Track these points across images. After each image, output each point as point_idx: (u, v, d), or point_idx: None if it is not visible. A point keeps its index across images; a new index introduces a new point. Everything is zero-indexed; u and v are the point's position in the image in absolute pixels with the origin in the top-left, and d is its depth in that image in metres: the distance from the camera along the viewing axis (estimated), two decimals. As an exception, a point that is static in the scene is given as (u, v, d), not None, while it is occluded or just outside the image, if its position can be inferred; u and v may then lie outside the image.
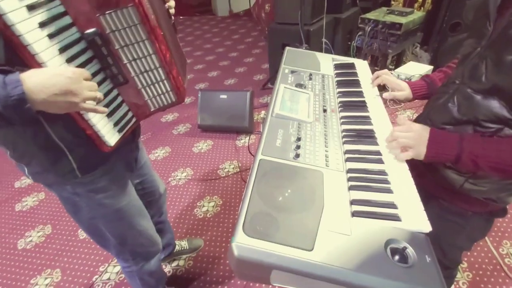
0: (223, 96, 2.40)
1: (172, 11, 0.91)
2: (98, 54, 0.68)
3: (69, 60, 0.63)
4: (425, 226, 0.57)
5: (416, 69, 2.67)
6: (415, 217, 0.59)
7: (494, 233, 1.53)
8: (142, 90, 0.78)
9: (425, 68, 2.67)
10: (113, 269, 1.53)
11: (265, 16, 4.37)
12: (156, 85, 0.78)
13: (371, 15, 2.77)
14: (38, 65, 0.57)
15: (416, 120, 0.89)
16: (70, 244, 1.69)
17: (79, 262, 1.58)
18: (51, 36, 0.59)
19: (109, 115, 0.73)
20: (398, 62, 2.98)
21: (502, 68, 0.60)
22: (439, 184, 0.80)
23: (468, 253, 1.45)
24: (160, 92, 0.80)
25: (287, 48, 1.27)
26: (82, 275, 1.52)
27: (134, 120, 0.82)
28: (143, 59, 0.73)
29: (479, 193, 0.74)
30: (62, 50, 0.61)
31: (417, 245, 0.54)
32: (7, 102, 0.50)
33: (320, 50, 2.68)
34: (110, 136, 0.73)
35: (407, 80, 2.56)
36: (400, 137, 0.73)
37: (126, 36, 0.68)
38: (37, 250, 1.67)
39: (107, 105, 0.71)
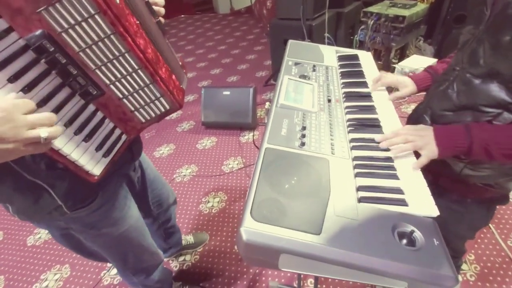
0: (226, 93, 2.40)
1: (160, 10, 0.76)
2: (53, 63, 0.50)
3: (12, 80, 0.45)
4: (432, 210, 0.57)
5: (420, 62, 2.65)
6: (422, 202, 0.59)
7: (502, 225, 1.52)
8: (124, 100, 0.62)
9: (429, 61, 2.65)
10: (121, 264, 1.55)
11: (266, 12, 4.36)
12: (141, 92, 0.62)
13: (373, 9, 2.75)
14: None
15: (416, 109, 0.88)
16: (78, 240, 1.71)
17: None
18: None
19: (87, 138, 0.58)
20: (402, 55, 2.96)
21: (499, 50, 0.60)
22: (438, 171, 0.80)
23: (476, 245, 1.44)
24: (148, 100, 0.64)
25: (290, 40, 1.27)
26: (91, 270, 1.54)
27: (124, 138, 0.67)
28: (115, 61, 0.56)
29: (477, 179, 0.74)
30: (3, 64, 0.44)
31: (425, 229, 0.54)
32: None
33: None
34: (93, 164, 0.60)
35: (410, 73, 2.55)
36: (410, 140, 0.69)
37: (85, 33, 0.51)
38: (46, 246, 1.69)
39: (81, 126, 0.57)
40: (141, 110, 0.65)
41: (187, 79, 0.84)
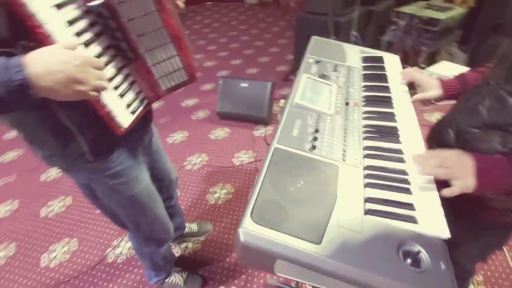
0: (244, 85, 2.38)
1: (180, 4, 0.86)
2: (106, 28, 0.64)
3: (78, 35, 0.59)
4: (444, 231, 0.54)
5: (450, 69, 2.51)
6: (433, 221, 0.56)
7: (517, 249, 1.43)
8: (153, 68, 0.74)
9: (460, 69, 2.50)
10: (126, 244, 1.59)
11: (294, 4, 4.26)
12: (168, 62, 0.75)
13: (407, 9, 2.61)
14: (45, 37, 0.53)
15: (440, 121, 0.83)
16: (88, 216, 1.77)
17: (95, 234, 1.66)
18: (58, 6, 0.55)
19: (122, 95, 0.70)
20: (432, 60, 2.81)
21: None
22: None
23: (485, 266, 1.37)
24: (171, 69, 0.77)
25: (313, 37, 1.23)
26: (97, 246, 1.59)
27: (146, 102, 0.78)
28: (152, 33, 0.69)
29: (497, 203, 0.69)
30: (70, 23, 0.57)
31: (432, 251, 0.51)
32: (10, 87, 0.47)
33: (349, 43, 2.58)
34: (123, 117, 0.70)
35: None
36: (448, 166, 0.60)
37: (135, 7, 0.65)
38: (57, 219, 1.77)
39: (118, 84, 0.68)
40: (164, 78, 0.77)
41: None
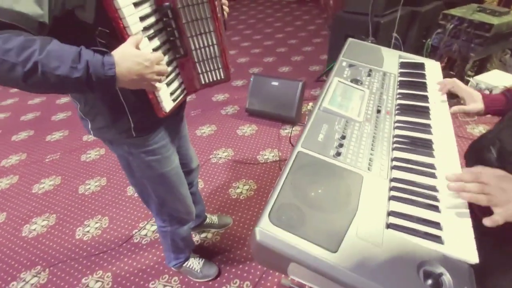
0: (275, 83, 2.38)
1: (226, 9, 0.97)
2: (167, 26, 0.76)
3: (146, 29, 0.70)
4: (472, 256, 0.51)
5: (501, 79, 2.29)
6: (461, 244, 0.53)
7: None
8: (198, 64, 0.87)
9: (512, 80, 2.28)
10: (151, 227, 1.69)
11: (333, 3, 4.14)
12: (210, 61, 0.88)
13: (456, 11, 2.42)
14: (123, 28, 0.65)
15: (482, 137, 0.77)
16: (119, 197, 1.90)
17: (124, 215, 1.78)
18: (136, 4, 0.66)
19: (168, 84, 0.81)
20: (480, 68, 2.59)
21: None
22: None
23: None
24: (212, 68, 0.89)
25: (350, 39, 1.19)
26: (125, 226, 1.71)
27: (184, 92, 0.90)
28: (203, 35, 0.82)
29: None
30: (142, 18, 0.69)
31: (457, 275, 0.48)
32: (101, 79, 0.60)
33: (388, 46, 2.45)
34: (167, 102, 0.81)
35: (486, 90, 2.23)
36: (491, 192, 0.54)
37: (193, 12, 0.77)
38: (92, 197, 1.92)
39: (167, 75, 0.79)
40: (205, 74, 0.90)
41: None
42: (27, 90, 0.58)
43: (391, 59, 1.11)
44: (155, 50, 0.73)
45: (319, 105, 0.81)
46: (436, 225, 0.55)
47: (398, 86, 0.97)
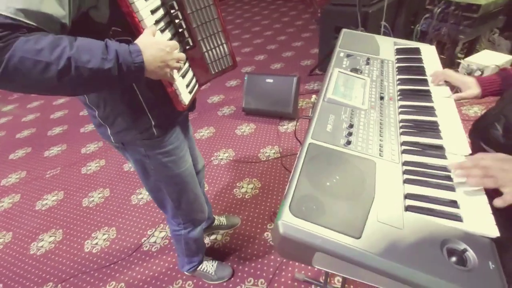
0: (269, 80, 2.38)
1: None
2: (174, 18, 0.77)
3: (157, 22, 0.72)
4: (492, 230, 0.52)
5: (492, 58, 2.33)
6: (480, 219, 0.54)
7: None
8: (206, 53, 0.89)
9: (502, 58, 2.31)
10: (159, 234, 1.68)
11: (319, -3, 4.15)
12: (217, 48, 0.90)
13: (442, -5, 2.45)
14: (138, 22, 0.66)
15: (486, 115, 0.78)
16: (124, 207, 1.89)
17: (131, 224, 1.77)
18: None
19: (183, 76, 0.83)
20: (470, 50, 2.62)
21: None
22: None
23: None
24: (220, 55, 0.92)
25: (344, 30, 1.20)
26: (133, 235, 1.70)
27: (197, 84, 0.91)
28: (208, 23, 0.85)
29: None
30: (153, 12, 0.70)
31: (479, 250, 0.49)
32: (130, 68, 0.60)
33: (378, 34, 2.48)
34: (185, 94, 0.83)
35: (478, 71, 2.25)
36: (487, 168, 0.56)
37: (197, 1, 0.80)
38: (97, 209, 1.90)
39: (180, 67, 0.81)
40: (214, 63, 0.92)
41: None
42: (57, 92, 0.58)
43: (387, 46, 1.12)
44: None
45: (323, 96, 0.82)
46: (453, 203, 0.56)
47: (397, 72, 0.98)
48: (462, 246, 0.49)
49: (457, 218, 0.54)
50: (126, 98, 0.78)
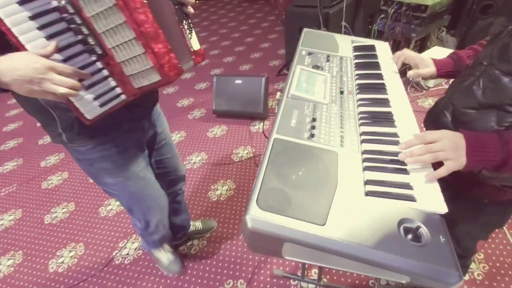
0: (238, 82, 2.39)
1: (190, 10, 0.87)
2: (71, 23, 0.65)
3: (40, 28, 0.61)
4: (441, 207, 0.57)
5: (441, 54, 2.51)
6: (430, 198, 0.58)
7: (515, 225, 1.48)
8: (122, 64, 0.72)
9: (450, 54, 2.53)
10: (132, 245, 1.61)
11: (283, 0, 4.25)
12: (135, 59, 0.71)
13: (394, -3, 2.62)
14: (6, 28, 0.58)
15: (437, 104, 0.85)
16: (92, 220, 1.78)
17: (100, 238, 1.67)
18: (20, 3, 0.58)
19: (88, 88, 0.71)
20: (422, 47, 2.84)
21: None
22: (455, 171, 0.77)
23: (486, 244, 1.41)
24: (140, 68, 0.73)
25: (305, 29, 1.25)
26: (103, 249, 1.61)
27: (123, 97, 0.77)
28: (115, 28, 0.67)
29: (497, 180, 0.71)
30: (33, 17, 0.60)
31: (431, 226, 0.54)
32: None
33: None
34: (88, 109, 0.72)
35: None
36: (435, 150, 0.61)
37: (95, 2, 0.64)
38: (62, 225, 1.78)
39: (86, 79, 0.70)
40: (135, 76, 0.74)
41: (193, 63, 0.92)
42: None
43: (345, 44, 1.18)
44: (63, 50, 0.65)
45: (287, 92, 0.84)
46: (407, 185, 0.61)
47: (355, 68, 1.04)
48: (416, 223, 0.53)
49: (411, 198, 0.58)
50: (30, 102, 0.75)
